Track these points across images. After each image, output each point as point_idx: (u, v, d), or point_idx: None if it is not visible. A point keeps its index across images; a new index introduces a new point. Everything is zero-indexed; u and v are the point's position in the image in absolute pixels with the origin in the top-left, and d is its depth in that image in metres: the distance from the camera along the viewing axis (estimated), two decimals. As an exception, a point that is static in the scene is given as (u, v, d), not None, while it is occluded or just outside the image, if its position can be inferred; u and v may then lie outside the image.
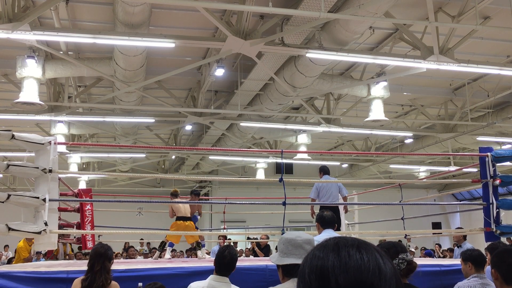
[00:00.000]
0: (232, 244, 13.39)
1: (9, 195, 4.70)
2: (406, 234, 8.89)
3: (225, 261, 3.38)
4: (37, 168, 4.97)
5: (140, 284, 4.20)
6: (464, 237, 7.91)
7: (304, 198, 12.88)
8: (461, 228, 10.21)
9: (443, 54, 8.21)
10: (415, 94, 12.88)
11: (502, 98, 12.46)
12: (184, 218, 7.27)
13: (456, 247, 8.95)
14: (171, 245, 7.58)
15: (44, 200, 4.88)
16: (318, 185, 7.43)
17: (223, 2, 7.11)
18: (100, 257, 3.75)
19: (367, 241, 0.95)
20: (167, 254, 7.46)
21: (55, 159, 5.16)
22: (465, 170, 17.24)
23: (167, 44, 7.51)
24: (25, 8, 7.33)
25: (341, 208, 7.86)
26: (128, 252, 11.34)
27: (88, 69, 9.31)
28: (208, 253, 9.81)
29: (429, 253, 12.40)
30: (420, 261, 6.20)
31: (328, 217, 4.00)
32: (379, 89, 10.67)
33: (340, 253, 0.90)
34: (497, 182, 6.09)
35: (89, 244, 7.65)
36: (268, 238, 10.38)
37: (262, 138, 15.28)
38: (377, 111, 10.81)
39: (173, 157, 18.34)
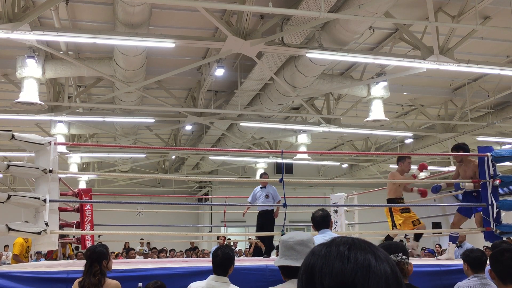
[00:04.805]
0: (232, 244, 13.40)
1: (9, 196, 4.70)
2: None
3: (217, 260, 3.37)
4: (37, 168, 4.97)
5: (140, 284, 4.19)
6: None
7: (305, 198, 12.95)
8: (461, 228, 10.19)
9: (443, 54, 8.20)
10: (415, 94, 12.87)
11: (502, 98, 12.46)
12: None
13: (456, 247, 8.94)
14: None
15: (44, 200, 4.88)
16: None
17: (223, 2, 7.10)
18: (87, 259, 3.70)
19: (367, 241, 0.94)
20: None
21: (55, 159, 5.15)
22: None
23: (167, 44, 7.51)
24: (25, 8, 7.32)
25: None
26: (129, 254, 11.33)
27: (88, 69, 9.31)
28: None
29: (431, 251, 12.45)
30: (420, 261, 6.22)
31: (318, 217, 3.93)
32: (379, 89, 10.67)
33: (330, 253, 0.90)
34: (497, 182, 6.07)
35: (88, 244, 7.65)
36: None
37: (262, 138, 15.27)
38: (377, 111, 10.80)
39: (173, 157, 18.34)
